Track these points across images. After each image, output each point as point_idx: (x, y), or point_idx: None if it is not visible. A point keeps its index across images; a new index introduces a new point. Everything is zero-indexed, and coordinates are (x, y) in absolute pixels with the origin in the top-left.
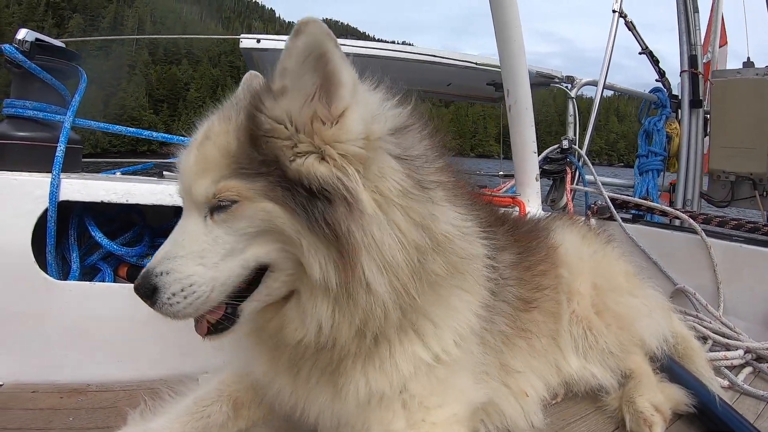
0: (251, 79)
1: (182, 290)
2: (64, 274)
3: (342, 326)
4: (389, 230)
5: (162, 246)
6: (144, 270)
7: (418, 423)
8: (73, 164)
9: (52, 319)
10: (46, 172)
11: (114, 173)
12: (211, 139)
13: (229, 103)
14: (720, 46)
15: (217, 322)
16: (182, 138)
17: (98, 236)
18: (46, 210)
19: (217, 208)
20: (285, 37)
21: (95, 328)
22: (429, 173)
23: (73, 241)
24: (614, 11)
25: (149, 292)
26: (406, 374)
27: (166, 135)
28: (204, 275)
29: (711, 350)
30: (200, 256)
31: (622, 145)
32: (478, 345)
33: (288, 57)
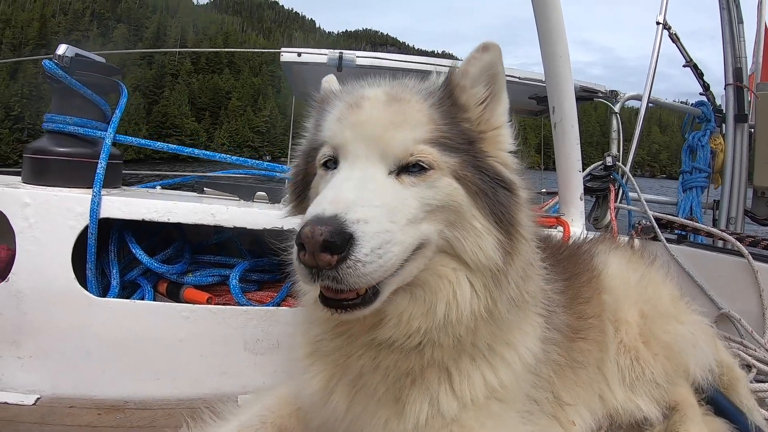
0: (333, 80)
1: (380, 248)
2: (103, 290)
3: (479, 310)
4: (528, 222)
5: (336, 190)
6: (326, 214)
7: None
8: (114, 180)
9: (91, 335)
10: (87, 188)
11: (154, 186)
12: (404, 101)
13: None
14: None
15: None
16: (223, 155)
17: (138, 253)
18: (87, 226)
19: (406, 169)
20: (326, 51)
21: (134, 345)
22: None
23: (113, 257)
24: (658, 23)
25: (343, 242)
26: (467, 400)
27: (207, 152)
28: (397, 234)
29: (755, 379)
30: (393, 212)
31: (665, 155)
32: (532, 378)
33: (472, 64)
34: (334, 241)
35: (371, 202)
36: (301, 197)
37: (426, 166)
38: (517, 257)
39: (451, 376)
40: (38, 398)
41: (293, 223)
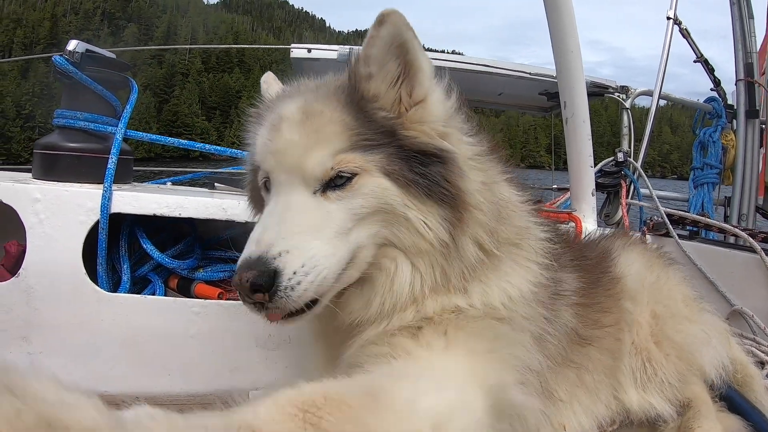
0: (271, 80)
1: (303, 266)
2: (114, 285)
3: (433, 283)
4: (476, 186)
5: (263, 227)
6: (252, 257)
7: (431, 346)
8: (125, 175)
9: (101, 330)
10: (97, 184)
11: (165, 183)
12: (317, 114)
13: (301, 89)
14: None
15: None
16: (234, 150)
17: (150, 249)
18: (97, 222)
19: (331, 184)
20: (336, 47)
21: (145, 341)
22: (486, 155)
23: (123, 252)
24: (668, 18)
25: (270, 279)
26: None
27: (217, 147)
28: (324, 249)
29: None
30: (316, 230)
31: (676, 156)
32: (522, 311)
33: (371, 45)
34: (260, 283)
35: (291, 230)
36: (258, 204)
37: (349, 175)
38: (468, 224)
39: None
40: None
41: None
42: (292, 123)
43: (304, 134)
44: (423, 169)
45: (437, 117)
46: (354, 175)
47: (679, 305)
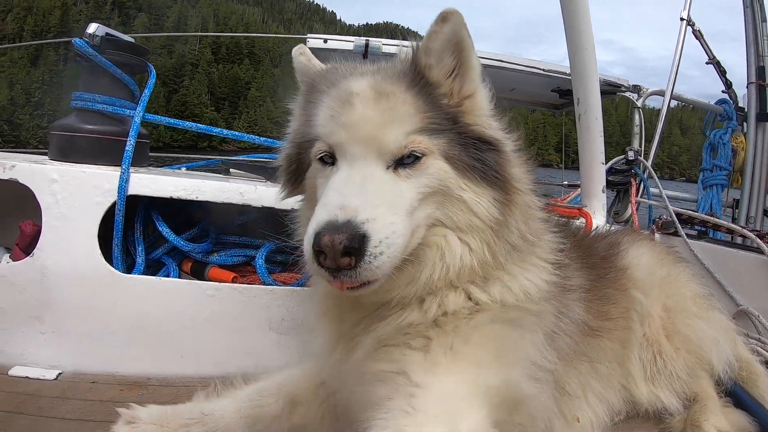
0: (309, 53)
1: (387, 238)
2: (128, 268)
3: (481, 258)
4: (521, 174)
5: (341, 194)
6: (339, 221)
7: (436, 366)
8: (141, 159)
9: (115, 311)
10: (114, 166)
11: (179, 168)
12: (389, 94)
13: (359, 69)
14: None
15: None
16: (251, 136)
17: (165, 231)
18: (113, 203)
19: (401, 162)
20: (351, 38)
21: (158, 323)
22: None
23: (138, 235)
24: (682, 19)
25: (360, 243)
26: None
27: (235, 132)
28: (399, 226)
29: None
30: (393, 205)
31: (685, 158)
32: (535, 310)
33: (433, 39)
34: (353, 246)
35: (374, 201)
36: (296, 183)
37: (419, 155)
38: (515, 206)
39: (424, 301)
40: (60, 373)
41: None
42: (365, 99)
43: (380, 110)
44: (479, 155)
45: (485, 111)
46: (422, 155)
47: (688, 301)
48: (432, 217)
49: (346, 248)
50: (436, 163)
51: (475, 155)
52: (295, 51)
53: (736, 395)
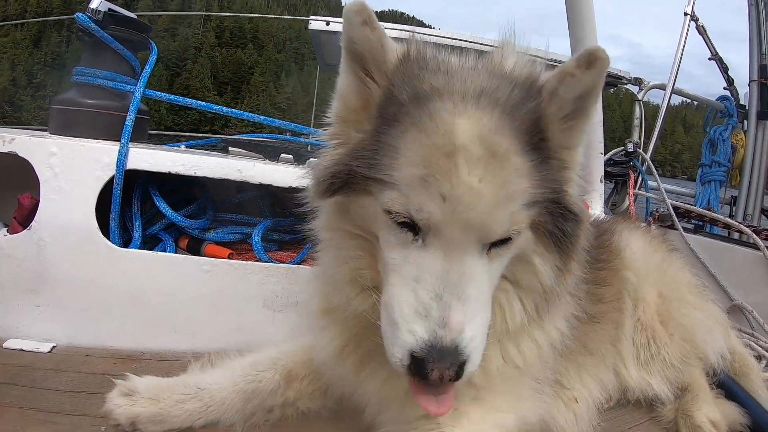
0: (372, 16)
1: (480, 350)
2: (124, 243)
3: (530, 317)
4: (586, 244)
5: (439, 302)
6: (446, 345)
7: (461, 417)
8: (140, 135)
9: (111, 285)
10: (113, 141)
11: (179, 146)
12: (502, 157)
13: (456, 86)
14: None
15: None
16: (250, 114)
17: (162, 206)
18: (112, 178)
19: (494, 243)
20: None
21: (153, 298)
22: None
23: (135, 210)
24: (686, 14)
25: (462, 370)
26: (491, 365)
27: (235, 110)
28: (488, 315)
29: (765, 370)
30: (486, 303)
31: (687, 156)
32: (553, 355)
33: (569, 86)
34: (461, 373)
35: (474, 309)
36: (335, 193)
37: (514, 236)
38: (569, 274)
39: None
40: (54, 346)
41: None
42: (475, 161)
43: (492, 184)
44: (563, 225)
45: (578, 165)
46: (518, 234)
47: (683, 290)
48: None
49: (453, 378)
50: (525, 234)
51: (559, 225)
52: (353, 12)
53: (728, 387)
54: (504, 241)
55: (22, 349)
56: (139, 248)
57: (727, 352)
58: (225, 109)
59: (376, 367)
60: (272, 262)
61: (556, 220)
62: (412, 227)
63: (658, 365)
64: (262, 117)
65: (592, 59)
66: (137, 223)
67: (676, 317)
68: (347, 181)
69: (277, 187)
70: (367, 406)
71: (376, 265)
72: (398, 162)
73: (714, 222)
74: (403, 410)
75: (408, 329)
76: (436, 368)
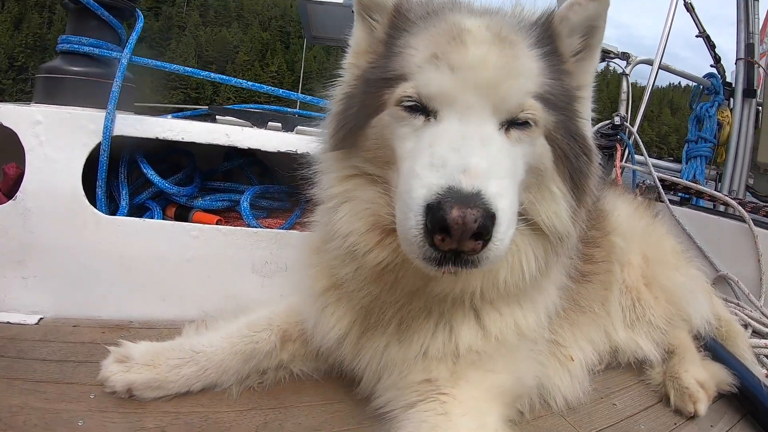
0: None
1: (510, 220)
2: (111, 212)
3: (538, 271)
4: (593, 190)
5: (460, 152)
6: (466, 190)
7: (460, 379)
8: (127, 104)
9: (98, 254)
10: (100, 109)
11: (165, 117)
12: (512, 43)
13: (465, 7)
14: None
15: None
16: (239, 80)
17: (150, 174)
18: (98, 145)
19: (512, 123)
20: None
21: (142, 265)
22: None
23: (122, 179)
24: None
25: (491, 222)
26: (492, 335)
27: (223, 77)
28: (516, 203)
29: (751, 338)
30: (513, 178)
31: (674, 138)
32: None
33: (575, 11)
34: (487, 226)
35: (498, 171)
36: (352, 132)
37: (531, 123)
38: (578, 225)
39: (480, 315)
40: (41, 318)
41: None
42: (482, 40)
43: (501, 57)
44: (576, 153)
45: (589, 112)
46: (533, 125)
47: (668, 254)
48: (519, 198)
49: (479, 228)
50: (541, 140)
51: (572, 151)
52: None
53: (713, 349)
54: (522, 125)
55: (8, 322)
56: (126, 216)
57: (713, 317)
58: (212, 75)
59: (375, 335)
60: (260, 227)
61: (570, 144)
62: (423, 110)
63: (644, 327)
64: (250, 83)
65: None
66: (124, 192)
67: (660, 279)
68: (362, 103)
69: (266, 152)
70: (365, 374)
71: (394, 203)
72: (411, 54)
73: (700, 195)
74: (403, 376)
75: (421, 185)
76: (455, 205)
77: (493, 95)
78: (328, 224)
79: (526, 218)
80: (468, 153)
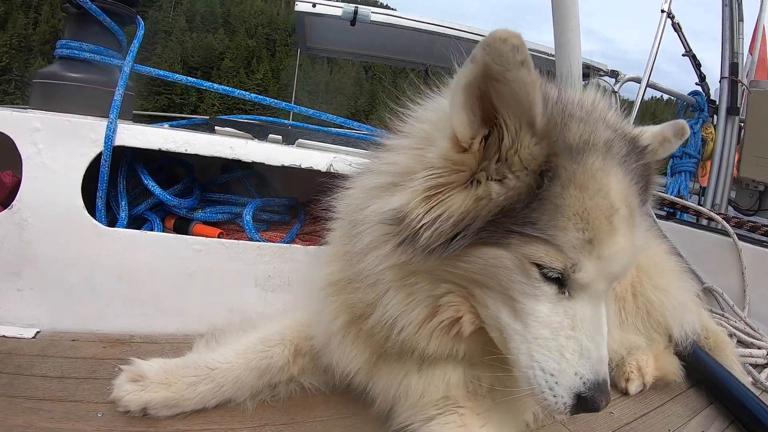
0: (518, 45)
1: None
2: (110, 223)
3: None
4: None
5: (595, 346)
6: (602, 380)
7: (477, 394)
8: (126, 112)
9: (97, 266)
10: (99, 117)
11: (162, 126)
12: (636, 214)
13: (597, 139)
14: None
15: None
16: (242, 92)
17: (151, 185)
18: (98, 155)
19: None
20: (341, 4)
21: (142, 278)
22: None
23: (121, 189)
24: (663, 11)
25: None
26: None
27: (226, 87)
28: None
29: (735, 347)
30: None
31: None
32: None
33: (664, 149)
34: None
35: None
36: (446, 249)
37: None
38: None
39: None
40: (38, 332)
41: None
42: (624, 221)
43: (634, 240)
44: None
45: None
46: None
47: (658, 267)
48: None
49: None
50: None
51: None
52: (509, 45)
53: (697, 356)
54: None
55: (4, 336)
56: (126, 228)
57: (700, 328)
58: (216, 86)
59: (393, 365)
60: (264, 241)
61: None
62: (559, 283)
63: (630, 329)
64: (254, 95)
65: (684, 132)
66: (123, 203)
67: (645, 291)
68: (475, 229)
69: (267, 166)
70: (380, 397)
71: (476, 310)
72: (561, 221)
73: (685, 209)
74: (422, 399)
75: (574, 372)
76: (603, 399)
77: (618, 279)
78: (353, 264)
79: None
80: (599, 343)
